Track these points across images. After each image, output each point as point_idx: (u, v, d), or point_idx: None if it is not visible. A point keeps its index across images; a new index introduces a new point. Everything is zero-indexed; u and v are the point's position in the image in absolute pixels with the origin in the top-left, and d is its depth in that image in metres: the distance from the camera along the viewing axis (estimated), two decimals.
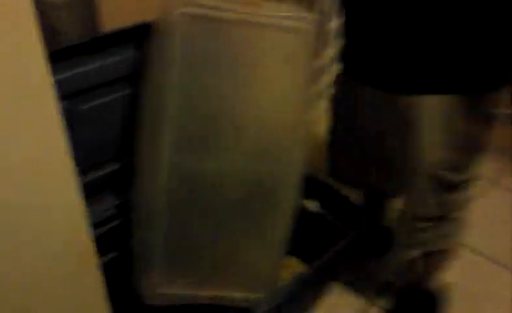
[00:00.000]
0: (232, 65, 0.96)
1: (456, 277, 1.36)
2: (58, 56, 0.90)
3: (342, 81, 1.21)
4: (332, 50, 1.09)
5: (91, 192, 1.07)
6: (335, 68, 1.08)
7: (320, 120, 1.38)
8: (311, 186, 1.25)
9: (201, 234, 1.08)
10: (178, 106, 0.95)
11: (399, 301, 1.36)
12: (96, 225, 1.09)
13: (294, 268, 1.38)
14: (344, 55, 1.16)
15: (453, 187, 1.06)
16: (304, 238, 1.32)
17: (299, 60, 0.99)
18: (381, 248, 1.54)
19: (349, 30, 1.10)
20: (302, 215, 1.17)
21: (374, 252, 1.54)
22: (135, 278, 1.10)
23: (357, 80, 1.11)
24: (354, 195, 1.36)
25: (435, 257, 1.21)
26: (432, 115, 1.00)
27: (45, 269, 0.59)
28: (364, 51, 1.06)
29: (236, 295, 1.16)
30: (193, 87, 0.95)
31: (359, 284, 1.47)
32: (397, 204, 1.28)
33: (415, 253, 1.18)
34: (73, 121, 0.97)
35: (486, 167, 1.30)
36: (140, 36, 0.98)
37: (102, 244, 1.07)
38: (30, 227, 0.56)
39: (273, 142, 1.04)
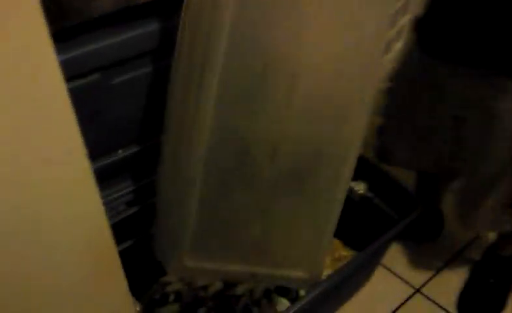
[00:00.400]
0: (290, 8, 0.79)
1: None
2: (89, 26, 0.84)
3: (415, 59, 1.09)
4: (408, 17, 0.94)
5: (113, 174, 1.02)
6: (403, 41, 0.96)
7: None
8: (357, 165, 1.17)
9: (244, 205, 0.96)
10: (226, 57, 0.79)
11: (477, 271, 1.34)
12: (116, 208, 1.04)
13: (337, 250, 1.31)
14: (426, 31, 1.04)
15: None
16: (348, 220, 1.26)
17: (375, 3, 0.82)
18: (433, 231, 1.46)
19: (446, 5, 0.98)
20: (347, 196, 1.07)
21: (426, 235, 1.46)
22: (162, 250, 1.00)
23: (449, 61, 1.01)
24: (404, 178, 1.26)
25: None
26: None
27: (62, 273, 0.55)
28: (469, 31, 0.96)
29: (278, 273, 1.07)
30: (246, 32, 0.79)
31: (406, 270, 1.39)
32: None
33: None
34: (104, 95, 0.92)
35: None
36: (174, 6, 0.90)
37: (121, 230, 1.04)
38: (44, 230, 0.52)
39: (335, 103, 0.89)
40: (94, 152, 0.99)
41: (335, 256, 1.31)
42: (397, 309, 1.30)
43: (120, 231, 1.04)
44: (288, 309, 1.02)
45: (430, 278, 1.37)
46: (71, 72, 0.81)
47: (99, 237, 0.55)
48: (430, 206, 1.41)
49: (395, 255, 1.41)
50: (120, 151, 1.02)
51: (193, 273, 1.04)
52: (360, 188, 1.23)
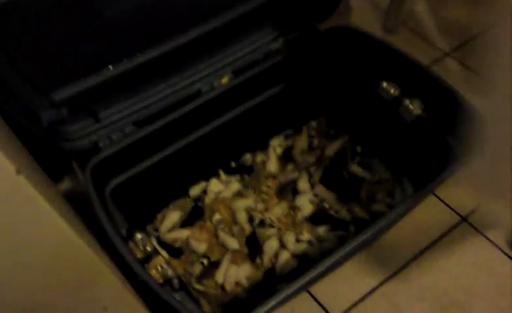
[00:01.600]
0: None
1: None
2: None
3: None
4: None
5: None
6: None
7: None
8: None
9: None
10: None
11: None
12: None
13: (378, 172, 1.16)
14: None
15: None
16: (396, 142, 1.08)
17: None
18: None
19: None
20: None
21: None
22: None
23: None
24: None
25: None
26: None
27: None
28: None
29: None
30: None
31: (453, 196, 1.22)
32: None
33: None
34: None
35: None
36: None
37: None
38: None
39: None
40: (92, 64, 0.82)
41: (374, 178, 1.16)
42: (440, 237, 1.17)
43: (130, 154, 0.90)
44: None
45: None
46: None
47: (68, 250, 0.41)
48: None
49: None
50: (124, 60, 0.83)
51: None
52: (415, 107, 1.03)
